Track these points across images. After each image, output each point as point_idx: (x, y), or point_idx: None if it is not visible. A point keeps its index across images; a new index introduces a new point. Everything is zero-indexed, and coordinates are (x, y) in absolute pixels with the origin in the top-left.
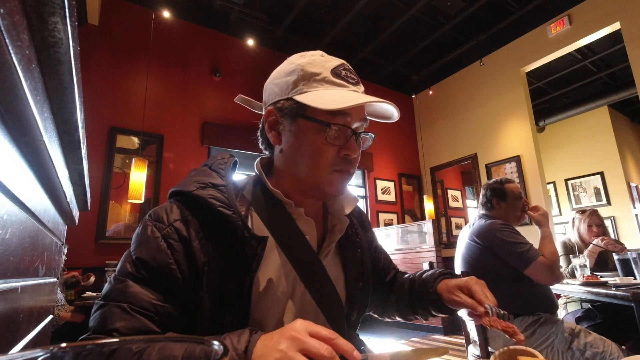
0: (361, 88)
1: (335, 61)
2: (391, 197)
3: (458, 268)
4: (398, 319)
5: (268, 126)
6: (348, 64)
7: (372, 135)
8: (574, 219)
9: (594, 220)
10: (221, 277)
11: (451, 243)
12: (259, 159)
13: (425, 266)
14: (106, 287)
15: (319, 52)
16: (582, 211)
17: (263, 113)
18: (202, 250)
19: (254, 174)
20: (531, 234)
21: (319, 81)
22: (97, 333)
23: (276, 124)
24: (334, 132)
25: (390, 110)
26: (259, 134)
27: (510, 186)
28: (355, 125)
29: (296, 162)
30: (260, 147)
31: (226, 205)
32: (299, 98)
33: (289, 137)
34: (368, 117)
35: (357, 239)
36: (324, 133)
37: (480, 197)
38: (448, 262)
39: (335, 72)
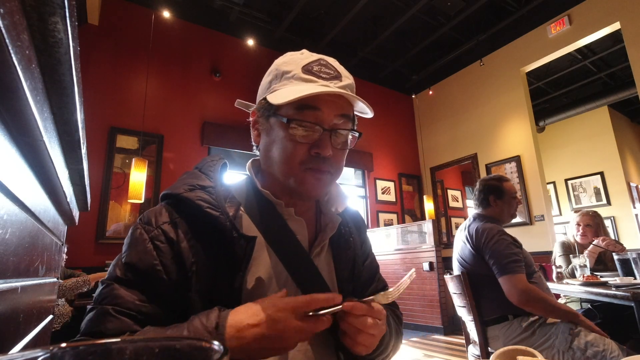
0: (339, 83)
1: (312, 57)
2: (391, 197)
3: (455, 269)
4: None
5: (251, 126)
6: (326, 60)
7: (356, 134)
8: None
9: (583, 220)
10: (212, 277)
11: (451, 243)
12: (251, 160)
13: (426, 266)
14: (97, 291)
15: (301, 51)
16: (577, 211)
17: None
18: (191, 251)
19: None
20: (530, 234)
21: (288, 79)
22: (85, 336)
23: (256, 124)
24: (298, 128)
25: (360, 105)
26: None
27: (508, 184)
28: (332, 122)
29: (270, 160)
30: (254, 150)
31: (214, 207)
32: (268, 97)
33: (264, 136)
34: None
35: (350, 238)
36: (288, 129)
37: (477, 193)
38: (448, 262)
39: (306, 68)
